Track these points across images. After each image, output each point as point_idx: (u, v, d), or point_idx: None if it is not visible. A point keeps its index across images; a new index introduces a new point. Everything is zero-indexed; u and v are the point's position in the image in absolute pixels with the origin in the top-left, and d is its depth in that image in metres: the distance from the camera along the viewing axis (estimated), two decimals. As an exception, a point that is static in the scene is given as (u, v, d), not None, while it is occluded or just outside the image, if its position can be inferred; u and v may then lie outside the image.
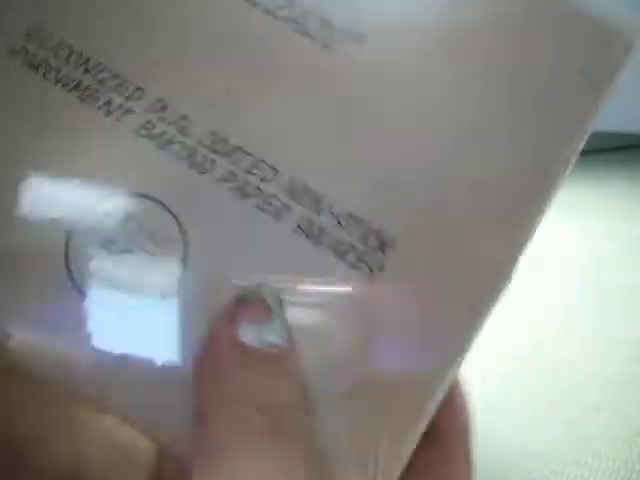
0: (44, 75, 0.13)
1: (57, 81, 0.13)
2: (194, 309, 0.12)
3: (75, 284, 0.12)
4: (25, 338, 0.12)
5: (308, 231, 0.12)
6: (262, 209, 0.12)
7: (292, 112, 0.13)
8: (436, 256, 0.12)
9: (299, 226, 0.12)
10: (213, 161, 0.12)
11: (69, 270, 0.12)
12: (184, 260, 0.12)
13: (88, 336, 0.12)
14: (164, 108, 0.13)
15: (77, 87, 0.13)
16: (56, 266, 0.12)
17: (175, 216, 0.12)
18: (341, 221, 0.12)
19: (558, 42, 0.14)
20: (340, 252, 0.12)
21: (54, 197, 0.13)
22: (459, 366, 0.12)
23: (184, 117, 0.13)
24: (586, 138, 0.15)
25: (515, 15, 0.14)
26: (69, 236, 0.12)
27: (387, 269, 0.12)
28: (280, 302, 0.12)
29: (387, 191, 0.12)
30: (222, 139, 0.13)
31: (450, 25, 0.13)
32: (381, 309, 0.12)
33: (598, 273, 0.78)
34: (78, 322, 0.12)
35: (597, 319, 0.66)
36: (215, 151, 0.12)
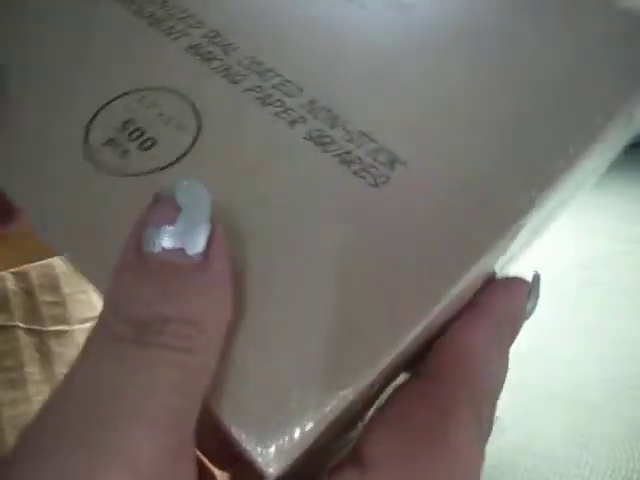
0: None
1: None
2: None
3: (93, 158, 0.13)
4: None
5: (317, 140, 0.13)
6: (280, 117, 0.13)
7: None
8: (445, 182, 0.12)
9: (309, 135, 0.13)
10: (244, 76, 0.14)
11: (87, 144, 0.14)
12: (193, 142, 0.13)
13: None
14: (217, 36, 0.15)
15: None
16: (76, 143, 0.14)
17: (193, 104, 0.13)
18: (353, 137, 0.13)
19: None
20: (346, 161, 0.12)
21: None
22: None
23: (230, 44, 0.15)
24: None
25: None
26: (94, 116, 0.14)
27: (392, 183, 0.12)
28: (204, 206, 0.10)
29: (415, 127, 0.13)
30: (258, 62, 0.14)
31: None
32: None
33: (598, 273, 0.78)
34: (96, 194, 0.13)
35: (597, 319, 0.66)
36: (250, 69, 0.14)
